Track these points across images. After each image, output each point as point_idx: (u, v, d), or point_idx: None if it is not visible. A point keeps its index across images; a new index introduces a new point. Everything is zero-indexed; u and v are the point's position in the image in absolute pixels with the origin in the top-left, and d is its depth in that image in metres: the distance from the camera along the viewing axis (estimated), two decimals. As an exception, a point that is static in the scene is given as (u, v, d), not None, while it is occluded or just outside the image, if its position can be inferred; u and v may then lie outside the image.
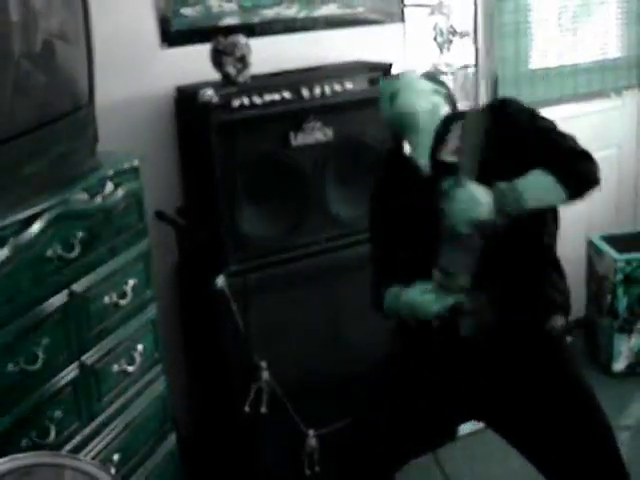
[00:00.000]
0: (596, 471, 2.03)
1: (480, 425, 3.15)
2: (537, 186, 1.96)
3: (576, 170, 1.99)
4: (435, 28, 3.21)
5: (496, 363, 2.06)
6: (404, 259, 2.17)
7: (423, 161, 2.15)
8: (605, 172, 4.12)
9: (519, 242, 2.03)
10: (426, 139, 2.16)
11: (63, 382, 2.07)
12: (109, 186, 2.25)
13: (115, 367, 2.27)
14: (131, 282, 2.31)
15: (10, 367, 1.89)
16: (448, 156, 2.10)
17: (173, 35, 2.81)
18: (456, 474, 2.63)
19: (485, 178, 1.96)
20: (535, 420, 2.06)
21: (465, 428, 3.15)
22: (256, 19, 2.95)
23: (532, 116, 2.11)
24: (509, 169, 1.97)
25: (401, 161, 2.26)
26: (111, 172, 2.27)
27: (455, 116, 2.21)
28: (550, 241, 2.15)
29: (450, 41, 3.33)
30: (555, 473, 2.08)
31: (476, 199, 1.93)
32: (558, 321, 2.14)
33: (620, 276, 3.43)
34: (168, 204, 2.76)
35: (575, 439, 2.03)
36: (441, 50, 3.31)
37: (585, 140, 3.95)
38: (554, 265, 2.18)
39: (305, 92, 2.69)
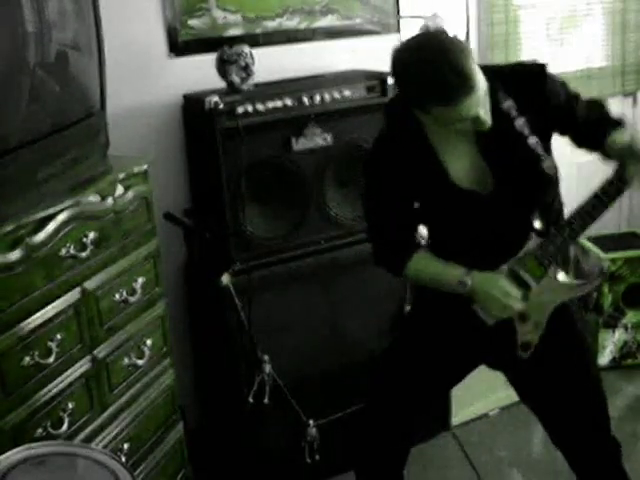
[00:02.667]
0: (594, 422, 2.12)
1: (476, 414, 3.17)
2: None
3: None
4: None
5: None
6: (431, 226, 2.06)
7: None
8: (590, 175, 4.13)
9: None
10: None
11: (76, 375, 2.07)
12: (120, 189, 2.25)
13: (125, 360, 2.26)
14: (140, 280, 2.31)
15: (25, 361, 1.89)
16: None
17: (180, 45, 2.81)
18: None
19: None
20: (544, 371, 2.06)
21: (457, 419, 3.16)
22: (259, 30, 2.95)
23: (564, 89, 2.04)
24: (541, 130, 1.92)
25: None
26: (122, 175, 2.27)
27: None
28: None
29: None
30: (556, 421, 2.14)
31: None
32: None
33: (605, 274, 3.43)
34: (176, 206, 2.76)
35: (579, 389, 2.09)
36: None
37: (571, 145, 3.95)
38: None
39: (306, 99, 2.68)
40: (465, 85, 1.71)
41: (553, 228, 1.95)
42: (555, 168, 1.98)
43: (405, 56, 1.79)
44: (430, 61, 1.72)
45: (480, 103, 1.77)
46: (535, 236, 1.94)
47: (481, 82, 1.75)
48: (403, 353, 2.16)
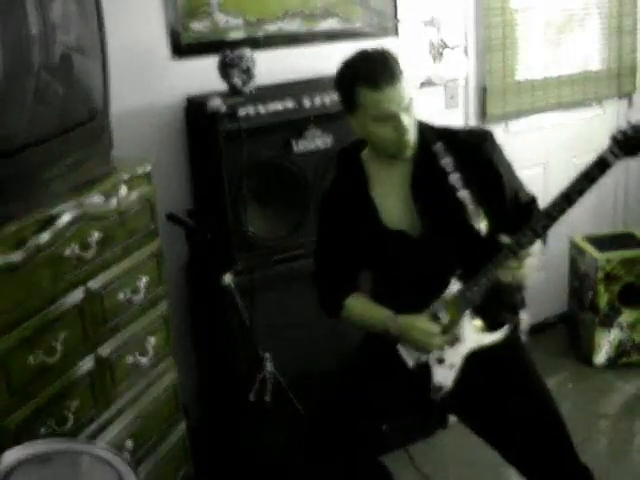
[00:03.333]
0: (555, 454, 2.08)
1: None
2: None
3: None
4: (428, 42, 3.20)
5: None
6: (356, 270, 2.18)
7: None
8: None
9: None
10: None
11: (80, 373, 2.07)
12: (123, 189, 2.25)
13: (129, 359, 2.26)
14: (144, 279, 2.31)
15: (30, 359, 1.89)
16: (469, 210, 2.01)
17: (183, 48, 2.81)
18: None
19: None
20: (499, 409, 2.08)
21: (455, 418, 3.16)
22: (260, 33, 2.94)
23: (500, 160, 2.10)
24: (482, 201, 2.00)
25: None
26: (125, 176, 2.26)
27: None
28: None
29: (441, 54, 3.32)
30: (518, 456, 2.12)
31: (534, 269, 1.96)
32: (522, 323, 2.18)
33: (601, 274, 3.42)
34: (179, 206, 2.75)
35: (536, 423, 2.07)
36: (434, 62, 3.30)
37: (568, 146, 3.98)
38: None
39: (306, 102, 2.68)
40: (390, 75, 1.90)
41: (473, 276, 1.99)
42: (481, 222, 2.01)
43: (347, 59, 2.02)
44: (365, 55, 1.98)
45: (404, 106, 1.92)
46: (456, 280, 2.01)
47: (408, 90, 1.93)
48: (351, 375, 2.24)
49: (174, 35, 2.78)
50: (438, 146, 2.01)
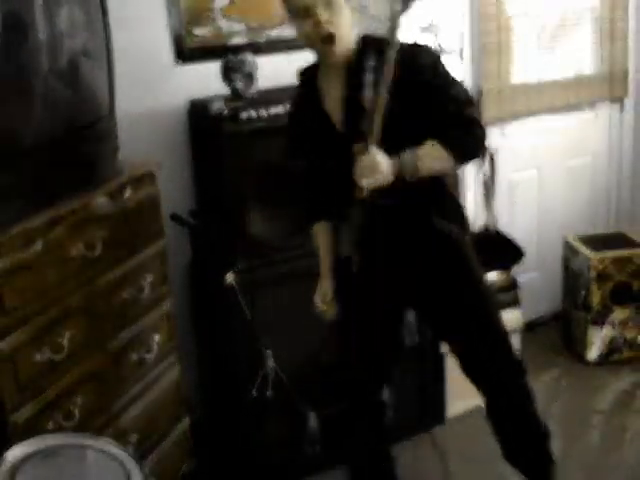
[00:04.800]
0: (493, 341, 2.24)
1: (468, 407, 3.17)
2: (432, 157, 2.01)
3: (466, 142, 2.05)
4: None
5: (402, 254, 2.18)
6: (323, 189, 2.24)
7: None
8: (580, 178, 4.16)
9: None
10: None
11: (86, 370, 2.07)
12: (128, 191, 2.25)
13: (134, 356, 2.26)
14: (148, 278, 2.31)
15: (38, 356, 1.89)
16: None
17: (187, 53, 2.80)
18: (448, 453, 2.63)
19: (389, 131, 1.96)
20: (440, 299, 2.22)
21: (451, 413, 3.16)
22: (262, 39, 2.94)
23: (435, 69, 2.07)
24: (407, 119, 1.99)
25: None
26: (130, 178, 2.27)
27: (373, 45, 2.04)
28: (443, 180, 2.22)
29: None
30: (463, 349, 2.28)
31: (377, 167, 1.95)
32: (454, 228, 2.21)
33: (593, 273, 3.42)
34: (182, 207, 2.75)
35: (477, 315, 2.22)
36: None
37: (562, 149, 3.97)
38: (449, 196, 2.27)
39: (307, 105, 2.68)
40: None
41: None
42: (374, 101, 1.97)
43: None
44: None
45: (332, 6, 1.93)
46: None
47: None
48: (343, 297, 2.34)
49: (178, 40, 2.78)
50: (370, 62, 1.98)
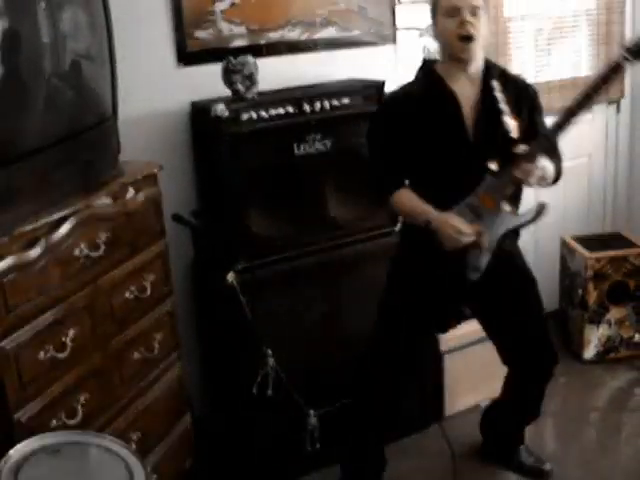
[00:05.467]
0: (539, 340, 2.57)
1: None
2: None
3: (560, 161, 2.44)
4: (424, 49, 3.20)
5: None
6: (411, 168, 2.35)
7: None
8: (576, 179, 4.16)
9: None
10: None
11: (89, 368, 2.07)
12: (130, 191, 2.25)
13: (136, 354, 2.27)
14: (150, 278, 2.31)
15: (41, 355, 1.89)
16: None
17: (188, 55, 2.80)
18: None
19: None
20: (503, 301, 2.47)
21: (450, 411, 3.16)
22: (263, 41, 2.94)
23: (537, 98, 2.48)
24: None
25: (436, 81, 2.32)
26: (132, 179, 2.27)
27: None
28: None
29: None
30: (508, 340, 2.57)
31: (545, 177, 2.31)
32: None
33: (590, 272, 3.42)
34: (184, 207, 2.75)
35: (528, 315, 2.54)
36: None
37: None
38: None
39: (307, 107, 2.68)
40: None
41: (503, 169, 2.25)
42: (513, 127, 2.29)
43: None
44: None
45: (470, 5, 2.20)
46: (489, 176, 2.25)
47: (483, 3, 2.23)
48: (393, 297, 2.47)
49: (179, 43, 2.78)
50: (495, 82, 2.28)
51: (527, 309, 2.53)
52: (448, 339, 3.02)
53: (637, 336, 3.52)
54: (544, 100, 3.58)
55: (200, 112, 2.72)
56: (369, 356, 2.53)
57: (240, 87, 2.66)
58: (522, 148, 2.20)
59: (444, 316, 2.54)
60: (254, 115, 2.60)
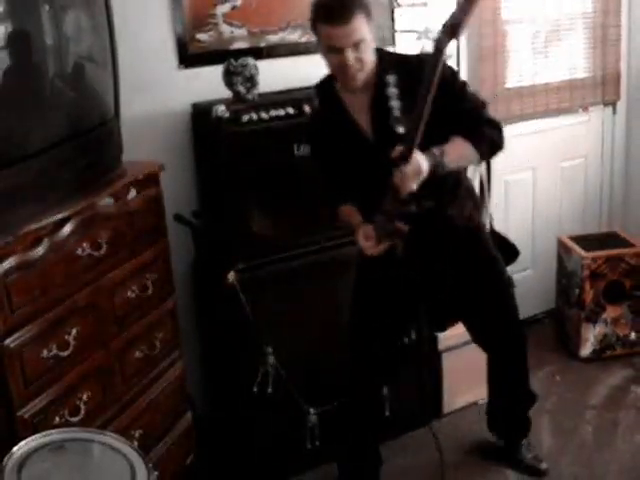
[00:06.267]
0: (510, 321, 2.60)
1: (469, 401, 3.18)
2: (459, 153, 2.21)
3: (488, 139, 2.26)
4: (422, 51, 3.20)
5: (435, 251, 2.39)
6: (346, 183, 2.37)
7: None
8: (573, 179, 4.16)
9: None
10: None
11: (91, 366, 2.07)
12: (132, 192, 2.25)
13: (138, 352, 2.27)
14: (152, 277, 2.32)
15: (44, 353, 1.89)
16: (397, 124, 2.16)
17: (190, 57, 2.81)
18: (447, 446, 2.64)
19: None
20: (465, 282, 2.46)
21: (448, 408, 3.17)
22: (263, 43, 2.94)
23: (455, 78, 2.30)
24: (435, 123, 2.08)
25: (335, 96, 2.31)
26: (134, 179, 2.27)
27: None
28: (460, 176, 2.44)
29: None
30: (478, 321, 2.59)
31: (421, 171, 2.09)
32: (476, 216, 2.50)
33: (587, 272, 3.42)
34: (185, 208, 2.76)
35: (491, 296, 2.53)
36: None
37: (555, 151, 3.97)
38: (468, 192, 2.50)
39: (306, 108, 2.68)
40: (342, 15, 2.07)
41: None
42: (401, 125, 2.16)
43: None
44: None
45: (351, 42, 2.09)
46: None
47: (365, 33, 2.10)
48: (358, 292, 2.52)
49: (181, 45, 2.78)
50: (390, 77, 2.18)
51: (489, 290, 2.52)
52: (446, 338, 3.02)
53: (633, 334, 3.52)
54: (541, 101, 3.63)
55: (201, 113, 2.72)
56: (348, 354, 2.57)
57: (241, 89, 2.66)
58: (397, 150, 2.08)
59: (407, 315, 2.60)
60: (254, 116, 2.60)
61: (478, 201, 2.55)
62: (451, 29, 1.99)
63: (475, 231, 2.49)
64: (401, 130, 2.13)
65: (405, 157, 2.06)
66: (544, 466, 2.75)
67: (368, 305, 2.49)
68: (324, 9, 2.13)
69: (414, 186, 2.10)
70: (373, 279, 2.45)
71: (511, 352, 2.67)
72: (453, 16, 1.97)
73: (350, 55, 2.10)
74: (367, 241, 2.27)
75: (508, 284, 2.61)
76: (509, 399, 2.78)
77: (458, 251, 2.41)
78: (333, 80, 2.31)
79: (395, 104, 2.17)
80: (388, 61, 2.24)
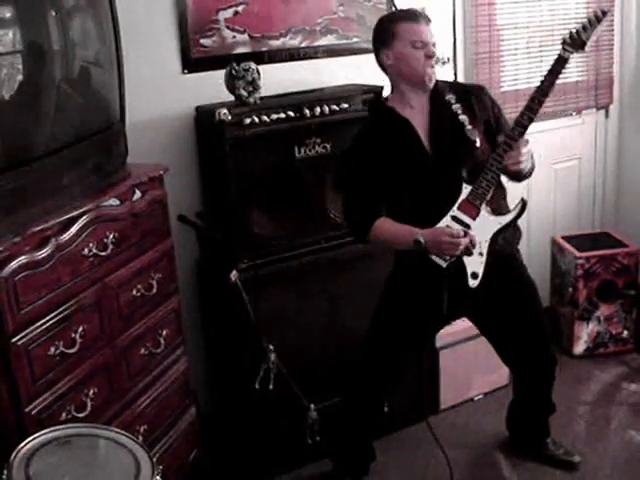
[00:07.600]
0: (539, 344, 2.59)
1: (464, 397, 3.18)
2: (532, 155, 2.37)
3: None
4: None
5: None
6: (395, 200, 2.37)
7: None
8: (567, 180, 4.16)
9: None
10: None
11: (97, 363, 2.07)
12: (137, 193, 2.25)
13: (142, 350, 2.27)
14: (156, 276, 2.31)
15: (51, 350, 1.89)
16: (471, 134, 2.30)
17: (193, 62, 2.81)
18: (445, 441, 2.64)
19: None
20: (503, 308, 2.47)
21: (445, 404, 3.16)
22: (265, 48, 2.94)
23: (496, 105, 2.49)
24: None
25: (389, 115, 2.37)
26: (139, 181, 2.27)
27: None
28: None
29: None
30: (508, 344, 2.59)
31: (529, 150, 2.30)
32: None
33: (580, 271, 3.43)
34: (189, 209, 2.75)
35: (529, 320, 2.55)
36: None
37: (549, 154, 3.97)
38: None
39: (307, 112, 2.68)
40: (425, 17, 2.32)
41: (480, 176, 2.27)
42: (477, 136, 2.32)
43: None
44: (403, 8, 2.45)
45: (432, 41, 2.30)
46: (465, 185, 2.27)
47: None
48: (388, 311, 2.49)
49: (184, 50, 2.78)
50: (450, 96, 2.33)
51: (526, 316, 2.54)
52: (443, 335, 3.02)
53: (625, 332, 3.52)
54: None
55: (204, 116, 2.72)
56: (360, 360, 2.57)
57: (243, 92, 2.67)
58: (501, 138, 2.26)
59: (438, 328, 2.64)
60: (256, 119, 2.60)
61: (519, 227, 2.50)
62: (581, 42, 2.26)
63: (515, 255, 2.52)
64: (477, 140, 2.28)
65: (509, 145, 2.21)
66: (577, 459, 2.74)
67: (396, 324, 2.46)
68: (407, 12, 2.37)
69: (528, 164, 2.28)
70: (408, 299, 2.41)
71: (542, 376, 2.68)
72: (585, 29, 2.27)
73: (433, 48, 2.29)
74: (453, 233, 2.23)
75: (541, 312, 2.62)
76: (531, 411, 2.80)
77: (499, 276, 2.37)
78: (382, 100, 2.47)
79: (463, 118, 2.29)
80: (440, 84, 2.38)
